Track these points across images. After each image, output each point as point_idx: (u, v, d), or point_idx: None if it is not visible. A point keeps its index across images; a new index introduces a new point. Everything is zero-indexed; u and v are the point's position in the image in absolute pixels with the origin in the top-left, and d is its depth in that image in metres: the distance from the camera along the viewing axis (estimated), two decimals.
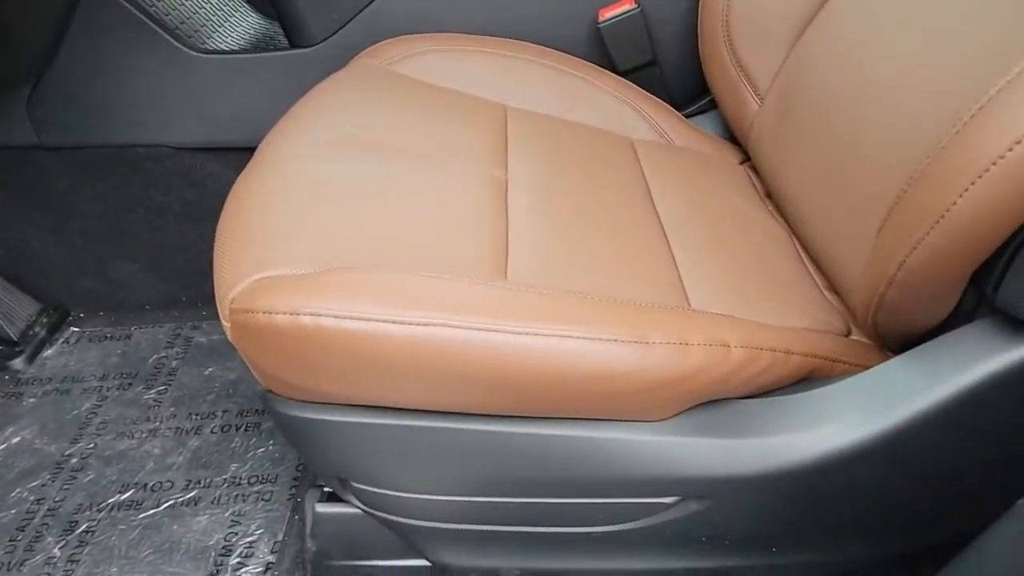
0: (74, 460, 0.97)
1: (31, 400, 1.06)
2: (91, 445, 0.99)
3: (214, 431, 1.00)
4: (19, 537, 0.88)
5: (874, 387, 0.56)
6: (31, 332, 1.16)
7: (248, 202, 0.65)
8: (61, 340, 1.17)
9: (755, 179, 0.90)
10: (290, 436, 0.63)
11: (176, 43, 0.99)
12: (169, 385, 1.08)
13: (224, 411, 1.03)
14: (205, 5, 1.09)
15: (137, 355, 1.13)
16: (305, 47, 1.01)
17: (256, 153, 0.73)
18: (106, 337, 1.17)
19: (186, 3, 1.05)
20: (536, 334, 0.51)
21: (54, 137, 1.05)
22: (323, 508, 0.69)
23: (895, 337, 0.61)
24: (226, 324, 0.56)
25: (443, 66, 0.92)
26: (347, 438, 0.59)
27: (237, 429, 1.01)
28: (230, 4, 1.15)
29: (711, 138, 0.97)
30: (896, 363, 0.57)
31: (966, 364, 0.52)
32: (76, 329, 1.18)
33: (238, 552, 0.85)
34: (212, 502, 0.91)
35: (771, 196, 0.86)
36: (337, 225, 0.61)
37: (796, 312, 0.66)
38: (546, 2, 0.98)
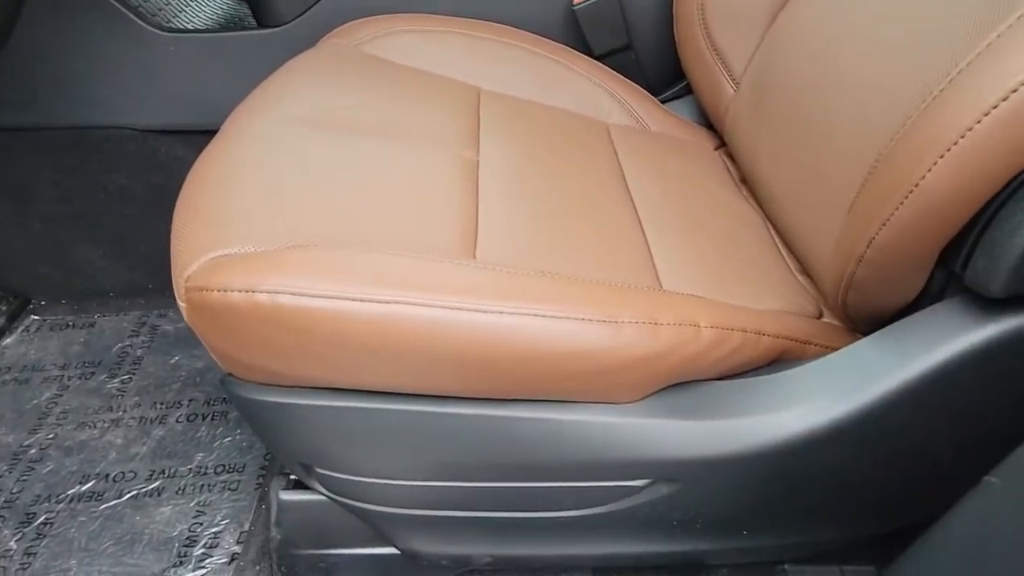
0: (32, 451, 0.94)
1: None
2: (51, 435, 0.96)
3: (179, 420, 0.98)
4: None
5: (844, 367, 0.56)
6: None
7: (208, 179, 0.63)
8: (21, 328, 1.13)
9: (730, 165, 0.90)
10: (251, 421, 0.61)
11: (139, 21, 0.96)
12: (133, 374, 1.05)
13: (190, 400, 1.01)
14: None
15: (100, 343, 1.10)
16: (274, 26, 0.98)
17: (219, 131, 0.71)
18: (68, 325, 1.13)
19: None
20: (503, 312, 0.50)
21: (10, 117, 1.01)
22: (287, 496, 0.67)
23: (865, 318, 0.60)
24: (182, 304, 0.54)
25: (415, 47, 0.90)
26: (309, 422, 0.57)
27: (203, 418, 0.98)
28: None
29: (686, 123, 0.96)
30: (866, 343, 0.56)
31: (935, 343, 0.52)
32: (36, 317, 1.15)
33: (203, 543, 0.83)
34: (176, 492, 0.89)
35: (746, 182, 0.85)
36: (299, 203, 0.59)
37: (768, 294, 0.65)
38: None
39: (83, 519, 0.86)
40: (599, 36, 0.99)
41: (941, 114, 0.46)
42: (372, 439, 0.57)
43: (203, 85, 1.00)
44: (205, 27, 1.05)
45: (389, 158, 0.67)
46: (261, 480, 0.90)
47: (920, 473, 0.60)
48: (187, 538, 0.84)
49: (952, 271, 0.53)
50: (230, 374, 0.59)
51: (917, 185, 0.46)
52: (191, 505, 0.87)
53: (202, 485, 0.89)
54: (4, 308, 1.14)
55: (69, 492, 0.89)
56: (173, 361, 1.06)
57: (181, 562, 0.81)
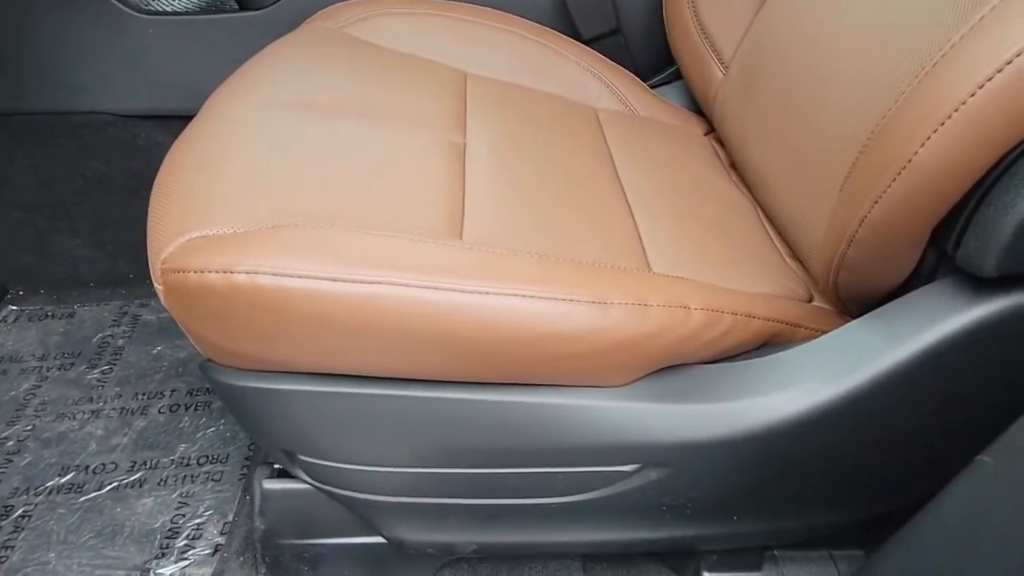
0: (10, 443, 0.92)
1: None
2: (29, 427, 0.94)
3: (162, 411, 0.96)
4: None
5: (835, 349, 0.55)
6: None
7: (186, 162, 0.61)
8: None
9: (719, 150, 0.89)
10: (232, 408, 0.59)
11: (117, 3, 0.94)
12: (114, 364, 1.03)
13: (172, 390, 0.99)
14: None
15: (80, 334, 1.08)
16: (256, 9, 0.96)
17: (198, 114, 0.69)
18: (47, 315, 1.11)
19: None
20: (489, 293, 0.49)
21: None
22: (271, 484, 0.66)
23: (856, 300, 0.60)
24: (158, 287, 0.53)
25: (400, 30, 0.88)
26: (291, 408, 0.56)
27: (186, 408, 0.96)
28: None
29: (676, 108, 0.96)
30: (856, 325, 0.56)
31: (926, 324, 0.52)
32: (14, 307, 1.12)
33: (185, 534, 0.82)
34: (158, 483, 0.87)
35: (735, 167, 0.85)
36: (280, 185, 0.57)
37: (758, 278, 0.65)
38: None
39: (62, 511, 0.84)
40: (587, 20, 0.97)
41: (934, 88, 0.45)
42: (356, 425, 0.56)
43: (184, 69, 0.98)
44: (185, 9, 1.02)
45: (373, 141, 0.66)
46: (245, 471, 0.88)
47: (910, 456, 0.60)
48: (169, 530, 0.82)
49: (944, 251, 0.53)
50: (209, 359, 0.57)
51: (910, 161, 0.45)
52: (173, 496, 0.86)
53: (185, 476, 0.88)
54: None
55: (48, 484, 0.87)
56: (155, 351, 1.05)
57: (163, 554, 0.80)
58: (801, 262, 0.69)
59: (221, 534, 0.82)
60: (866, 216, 0.50)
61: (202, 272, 0.49)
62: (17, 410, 0.96)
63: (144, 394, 0.98)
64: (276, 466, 0.67)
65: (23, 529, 0.82)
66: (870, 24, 0.57)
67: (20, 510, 0.84)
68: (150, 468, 0.89)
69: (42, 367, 1.02)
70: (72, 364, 1.03)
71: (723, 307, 0.56)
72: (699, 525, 0.63)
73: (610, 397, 0.55)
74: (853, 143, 0.54)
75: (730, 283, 0.62)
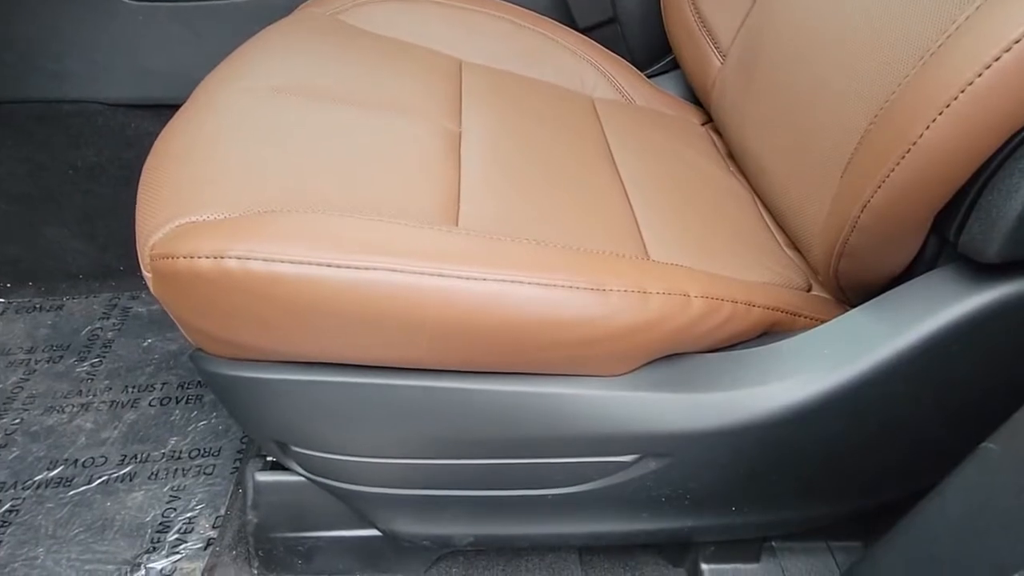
0: None
1: None
2: (16, 420, 0.92)
3: (152, 404, 0.95)
4: None
5: (836, 337, 0.54)
6: None
7: (176, 148, 0.60)
8: None
9: (717, 140, 0.88)
10: (223, 398, 0.58)
11: None
12: (104, 357, 1.01)
13: (163, 383, 0.98)
14: None
15: (69, 326, 1.06)
16: None
17: (189, 99, 0.68)
18: (35, 308, 1.09)
19: None
20: (486, 279, 0.48)
21: None
22: (264, 477, 0.65)
23: (856, 288, 0.59)
24: (147, 274, 0.52)
25: (394, 17, 0.87)
26: (284, 398, 0.55)
27: (177, 401, 0.95)
28: None
29: (673, 98, 0.95)
30: (857, 314, 0.55)
31: (928, 312, 0.51)
32: (2, 300, 1.11)
33: (177, 528, 0.81)
34: (149, 477, 0.86)
35: (733, 157, 0.84)
36: (273, 170, 0.56)
37: (757, 267, 0.64)
38: None
39: (51, 506, 0.83)
40: (584, 9, 0.96)
41: (939, 70, 0.45)
42: (350, 415, 0.55)
43: (174, 57, 0.97)
44: None
45: (367, 127, 0.65)
46: (238, 464, 0.87)
47: (910, 446, 0.59)
48: (160, 524, 0.81)
49: (945, 238, 0.52)
50: (200, 349, 0.56)
51: (915, 144, 0.45)
52: (165, 490, 0.84)
53: (176, 470, 0.87)
54: None
55: (36, 478, 0.86)
56: (145, 344, 1.03)
57: (154, 548, 0.79)
58: (800, 251, 0.68)
59: (213, 528, 0.81)
60: (869, 201, 0.49)
61: (192, 258, 0.47)
62: (5, 403, 0.95)
63: (134, 387, 0.97)
64: (269, 458, 0.66)
65: (11, 524, 0.81)
66: (871, 7, 0.56)
67: (7, 505, 0.83)
68: (141, 462, 0.88)
69: (30, 360, 1.01)
70: (61, 357, 1.01)
71: (723, 295, 0.55)
72: (697, 516, 0.62)
73: (608, 386, 0.54)
74: (855, 128, 0.53)
75: (728, 272, 0.61)
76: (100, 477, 0.86)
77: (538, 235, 0.56)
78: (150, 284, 0.52)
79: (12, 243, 1.09)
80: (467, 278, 0.48)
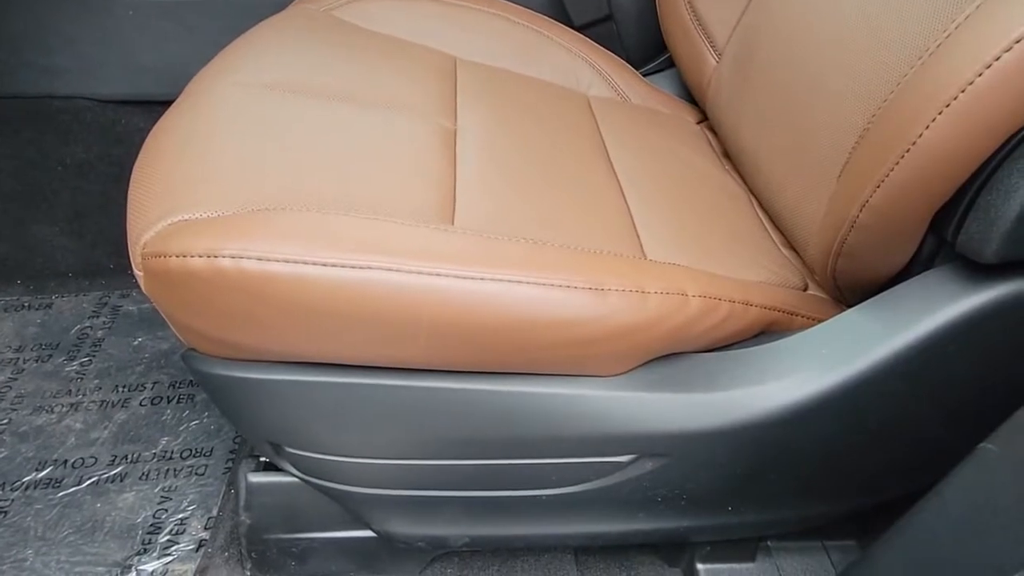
0: None
1: None
2: (4, 421, 0.91)
3: (143, 404, 0.94)
4: None
5: (832, 337, 0.54)
6: None
7: (167, 144, 0.59)
8: None
9: (712, 139, 0.88)
10: (216, 399, 0.57)
11: None
12: (94, 356, 1.00)
13: (155, 383, 0.97)
14: None
15: (58, 325, 1.05)
16: None
17: (181, 95, 0.67)
18: (24, 306, 1.08)
19: None
20: (482, 279, 0.48)
21: None
22: (257, 478, 0.64)
23: (854, 288, 0.59)
24: (139, 273, 0.51)
25: (388, 14, 0.87)
26: (277, 398, 0.54)
27: (169, 401, 0.94)
28: None
29: (669, 97, 0.94)
30: (854, 313, 0.55)
31: (925, 311, 0.51)
32: None
33: (168, 529, 0.80)
34: (140, 478, 0.85)
35: (728, 156, 0.84)
36: (266, 168, 0.56)
37: (753, 266, 0.64)
38: None
39: (40, 507, 0.82)
40: (579, 6, 0.96)
41: (939, 69, 0.44)
42: (345, 416, 0.55)
43: (165, 53, 0.96)
44: None
45: (361, 124, 0.64)
46: (230, 464, 0.86)
47: (908, 445, 0.59)
48: (151, 525, 0.80)
49: (943, 238, 0.52)
50: (192, 349, 0.55)
51: (914, 143, 0.44)
52: (156, 491, 0.83)
53: (167, 470, 0.86)
54: None
55: (25, 479, 0.85)
56: (136, 343, 1.02)
57: (145, 550, 0.78)
58: (796, 251, 0.68)
59: (205, 529, 0.80)
60: (868, 200, 0.49)
61: (184, 256, 0.47)
62: None
63: (125, 386, 0.96)
64: (262, 459, 0.65)
65: None
66: (868, 7, 0.56)
67: None
68: (131, 462, 0.87)
69: (18, 359, 1.00)
70: (50, 356, 1.00)
71: (720, 294, 0.55)
72: (694, 516, 0.62)
73: (605, 386, 0.54)
74: (853, 128, 0.53)
75: (725, 271, 0.61)
76: (90, 478, 0.85)
77: (535, 234, 0.55)
78: (141, 283, 0.51)
79: (0, 240, 1.08)
80: (464, 278, 0.47)
